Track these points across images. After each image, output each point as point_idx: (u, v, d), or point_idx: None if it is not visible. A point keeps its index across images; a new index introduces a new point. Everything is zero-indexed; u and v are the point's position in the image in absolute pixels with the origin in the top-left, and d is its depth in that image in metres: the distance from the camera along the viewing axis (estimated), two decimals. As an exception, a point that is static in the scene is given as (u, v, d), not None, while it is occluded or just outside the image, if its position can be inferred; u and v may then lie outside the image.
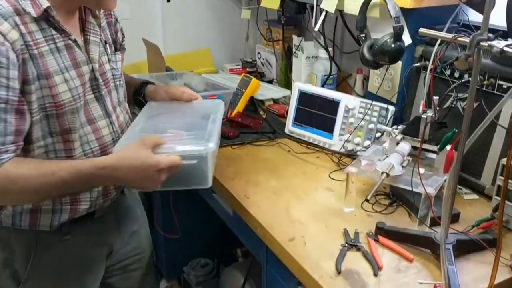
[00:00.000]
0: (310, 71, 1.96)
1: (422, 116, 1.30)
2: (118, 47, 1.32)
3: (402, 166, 1.21)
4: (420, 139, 1.32)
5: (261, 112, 1.94)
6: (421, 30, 0.99)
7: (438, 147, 1.22)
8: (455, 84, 1.32)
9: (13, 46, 1.00)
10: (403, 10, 1.42)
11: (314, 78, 1.91)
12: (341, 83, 2.00)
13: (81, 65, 1.14)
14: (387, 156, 1.25)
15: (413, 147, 1.30)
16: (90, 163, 1.07)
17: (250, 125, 1.80)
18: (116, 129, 1.25)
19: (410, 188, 1.16)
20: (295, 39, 2.01)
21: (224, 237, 2.17)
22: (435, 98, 1.29)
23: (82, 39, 1.19)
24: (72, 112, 1.13)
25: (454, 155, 1.10)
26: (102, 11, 1.25)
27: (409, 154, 1.28)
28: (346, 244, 1.15)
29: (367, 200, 1.11)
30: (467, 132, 0.99)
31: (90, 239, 1.30)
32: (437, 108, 1.30)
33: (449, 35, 0.94)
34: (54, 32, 1.09)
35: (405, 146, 1.28)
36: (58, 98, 1.09)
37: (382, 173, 1.16)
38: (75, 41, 1.13)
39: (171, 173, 1.08)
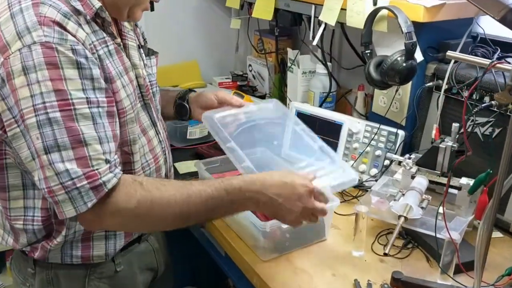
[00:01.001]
0: (307, 87, 1.80)
1: (441, 145, 1.15)
2: (147, 51, 1.20)
3: (421, 207, 1.05)
4: (437, 171, 1.17)
5: (254, 133, 1.78)
6: (449, 53, 0.84)
7: (468, 189, 1.07)
8: (477, 109, 1.16)
9: (85, 45, 0.89)
10: (414, 24, 1.26)
11: (312, 95, 1.74)
12: (340, 100, 1.84)
13: (128, 71, 1.04)
14: (402, 194, 1.09)
15: (430, 181, 1.15)
16: (237, 177, 0.98)
17: (242, 148, 1.63)
18: (162, 138, 1.16)
19: (432, 234, 1.00)
20: (290, 53, 1.85)
21: (214, 265, 2.00)
22: (455, 125, 1.14)
23: (121, 44, 1.07)
24: (132, 121, 1.03)
25: (488, 200, 0.94)
26: None
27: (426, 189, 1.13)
28: (359, 300, 0.99)
29: (385, 254, 0.94)
30: (504, 174, 0.83)
31: (140, 265, 1.19)
32: (458, 136, 1.15)
33: (486, 61, 0.78)
34: (104, 34, 0.98)
35: (422, 182, 1.12)
36: (122, 104, 0.98)
37: (399, 216, 1.00)
38: (120, 44, 1.02)
39: (317, 206, 0.98)
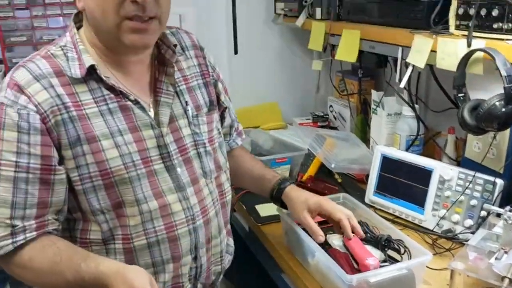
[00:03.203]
0: (391, 129, 1.74)
1: (548, 199, 1.04)
2: (213, 108, 1.17)
3: (529, 268, 0.94)
4: (545, 227, 1.05)
5: (336, 176, 1.74)
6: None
7: None
8: None
9: (38, 109, 0.94)
10: (513, 67, 1.18)
11: (398, 138, 1.68)
12: (428, 143, 1.76)
13: (142, 129, 1.02)
14: (505, 252, 0.99)
15: (537, 238, 1.04)
16: (94, 269, 0.91)
17: (324, 192, 1.60)
18: (192, 205, 1.06)
19: (542, 300, 0.89)
20: (374, 94, 1.81)
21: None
22: None
23: (152, 100, 1.07)
24: (124, 182, 0.99)
25: None
26: (197, 70, 1.16)
27: (532, 247, 1.02)
28: None
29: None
30: None
31: None
32: None
33: None
34: (106, 92, 1.00)
35: (528, 238, 1.02)
36: (105, 165, 0.98)
37: (503, 278, 0.91)
38: (136, 102, 1.02)
39: None
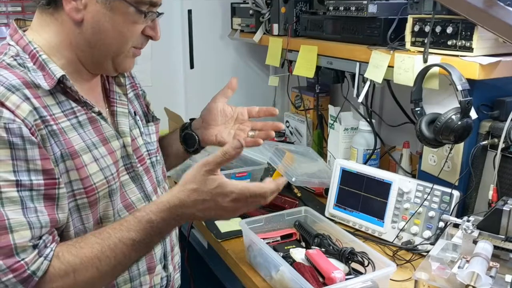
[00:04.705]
0: (348, 144, 1.77)
1: (504, 208, 1.08)
2: (151, 118, 1.16)
3: (490, 276, 0.97)
4: (501, 236, 1.09)
5: (295, 190, 1.73)
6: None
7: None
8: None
9: (25, 123, 0.83)
10: (468, 82, 1.23)
11: (355, 152, 1.70)
12: (383, 157, 1.79)
13: (110, 141, 0.98)
14: (467, 261, 1.02)
15: (495, 247, 1.07)
16: (151, 211, 0.87)
17: (284, 206, 1.59)
18: None
19: (504, 307, 0.91)
20: (332, 109, 1.84)
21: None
22: (520, 187, 1.07)
23: (107, 110, 1.03)
24: (105, 197, 0.95)
25: None
26: (128, 82, 1.11)
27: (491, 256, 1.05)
28: None
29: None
30: None
31: None
32: (522, 198, 1.08)
33: None
34: (74, 104, 0.93)
35: (487, 247, 1.04)
36: (89, 181, 0.92)
37: (467, 286, 0.93)
38: (99, 113, 0.97)
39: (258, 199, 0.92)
